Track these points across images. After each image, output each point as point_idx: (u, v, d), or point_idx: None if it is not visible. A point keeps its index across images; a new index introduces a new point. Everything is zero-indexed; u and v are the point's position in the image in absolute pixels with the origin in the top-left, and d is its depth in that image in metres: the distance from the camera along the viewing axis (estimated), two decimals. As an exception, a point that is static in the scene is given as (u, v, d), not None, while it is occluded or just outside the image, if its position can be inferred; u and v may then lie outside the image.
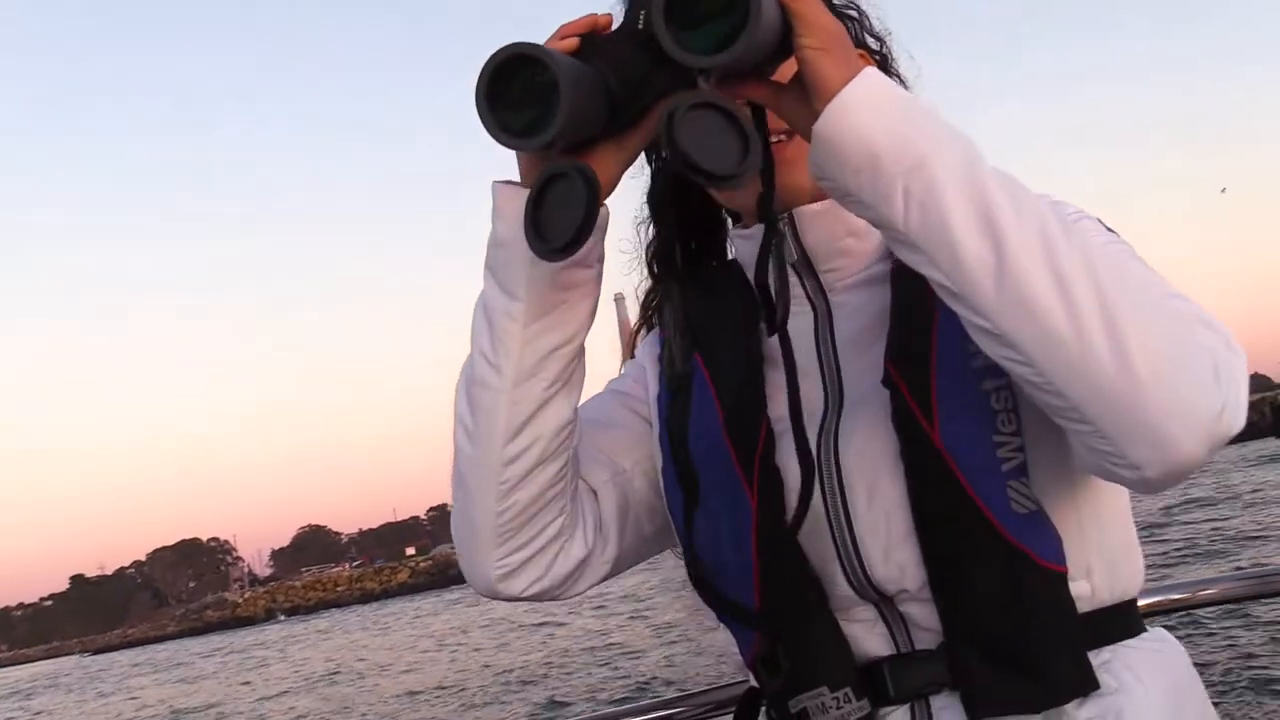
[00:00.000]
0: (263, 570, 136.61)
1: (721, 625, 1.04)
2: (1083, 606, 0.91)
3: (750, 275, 1.05)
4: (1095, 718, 0.89)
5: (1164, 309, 0.77)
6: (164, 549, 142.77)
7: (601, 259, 0.93)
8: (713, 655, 14.38)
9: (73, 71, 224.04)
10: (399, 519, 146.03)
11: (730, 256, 1.15)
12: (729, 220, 1.15)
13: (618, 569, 1.08)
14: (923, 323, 0.93)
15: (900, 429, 0.92)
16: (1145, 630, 0.97)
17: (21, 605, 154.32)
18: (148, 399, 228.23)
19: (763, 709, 1.06)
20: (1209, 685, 0.99)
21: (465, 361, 0.96)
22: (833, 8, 1.01)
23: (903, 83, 1.04)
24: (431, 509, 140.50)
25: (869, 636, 0.96)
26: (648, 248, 1.14)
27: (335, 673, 25.06)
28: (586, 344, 0.96)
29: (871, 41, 1.07)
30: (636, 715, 1.59)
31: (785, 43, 0.80)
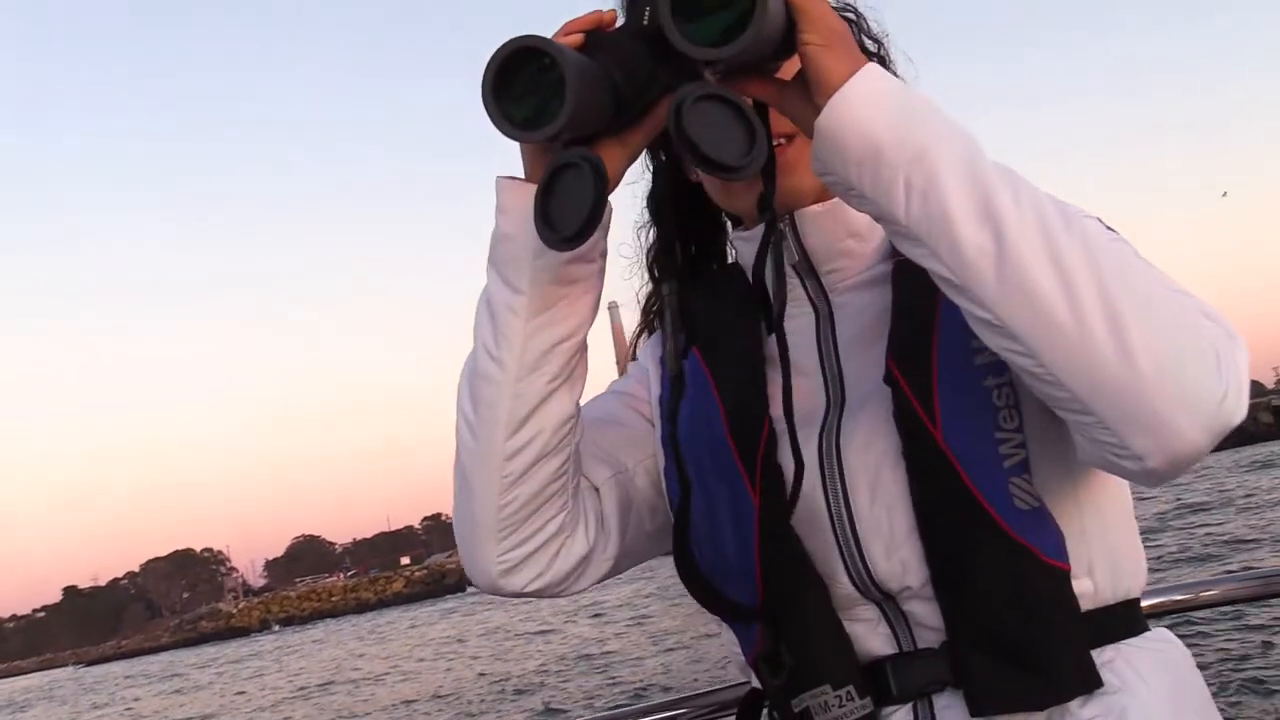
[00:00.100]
0: (257, 581, 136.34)
1: (723, 627, 1.05)
2: (1085, 604, 0.91)
3: (751, 276, 1.06)
4: (1098, 716, 0.89)
5: (1165, 299, 0.77)
6: (157, 560, 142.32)
7: (604, 255, 0.94)
8: (710, 662, 14.39)
9: (72, 72, 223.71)
10: (393, 529, 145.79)
11: (731, 260, 1.16)
12: (729, 224, 1.16)
13: (619, 567, 1.08)
14: (924, 321, 0.94)
15: (902, 427, 0.92)
16: (1148, 629, 0.97)
17: (14, 617, 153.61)
18: (141, 408, 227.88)
19: (764, 710, 1.06)
20: (1211, 686, 0.99)
21: (468, 356, 0.96)
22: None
23: None
24: (426, 518, 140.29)
25: (871, 636, 0.96)
26: (648, 251, 1.15)
27: (331, 682, 24.96)
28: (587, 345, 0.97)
29: (869, 44, 1.08)
30: (638, 717, 1.59)
31: (788, 40, 0.81)
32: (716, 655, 14.75)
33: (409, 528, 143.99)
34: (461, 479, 0.97)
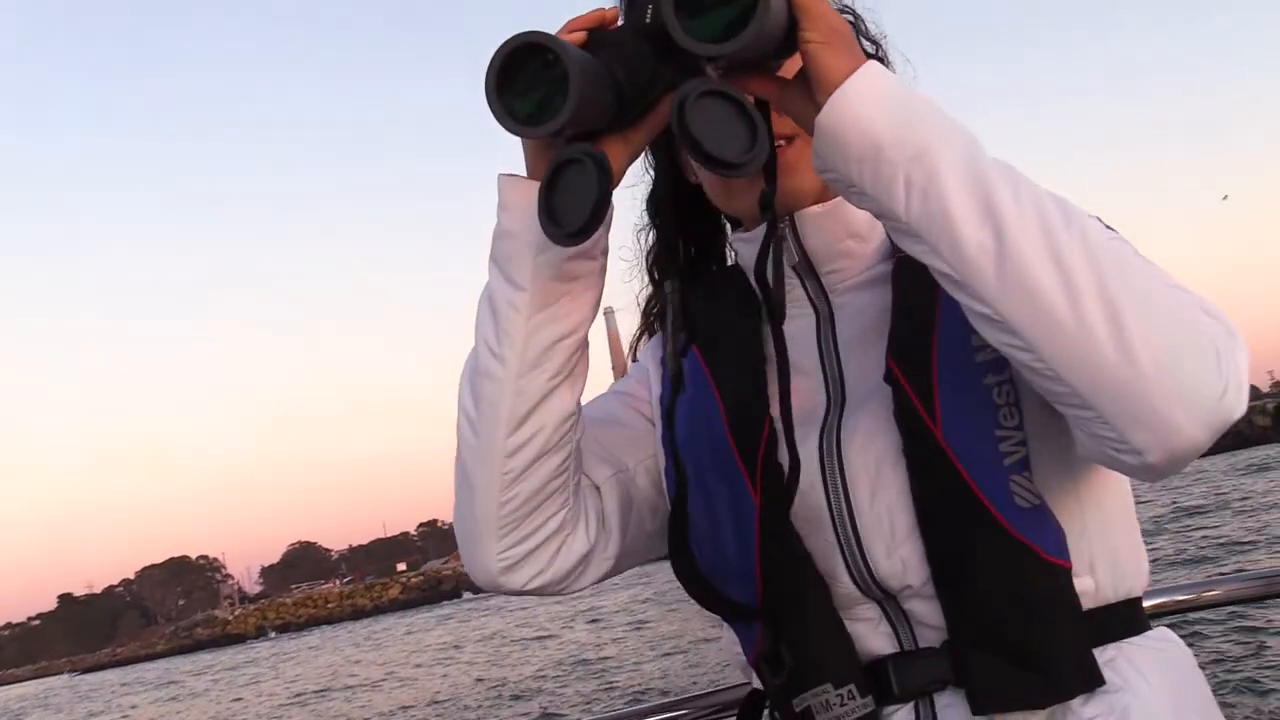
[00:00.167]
0: (252, 587, 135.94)
1: (724, 627, 1.05)
2: (1087, 603, 0.91)
3: (751, 277, 1.06)
4: (1100, 715, 0.89)
5: (1164, 295, 0.78)
6: (153, 567, 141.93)
7: (605, 252, 0.94)
8: (709, 666, 14.38)
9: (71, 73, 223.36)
10: (389, 535, 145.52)
11: (730, 263, 1.16)
12: (728, 227, 1.17)
13: (620, 566, 1.08)
14: (924, 320, 0.94)
15: (903, 425, 0.92)
16: (1150, 629, 0.97)
17: (9, 625, 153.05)
18: (136, 415, 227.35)
19: (765, 711, 1.06)
20: (1212, 686, 0.99)
21: (469, 354, 0.96)
22: None
23: None
24: (422, 524, 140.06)
25: (873, 635, 0.96)
26: (648, 254, 1.16)
27: (328, 689, 24.89)
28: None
29: (867, 45, 1.08)
30: (639, 719, 1.59)
31: (790, 38, 0.82)
32: (714, 660, 14.74)
33: (405, 534, 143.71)
34: (462, 476, 0.97)
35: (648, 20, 0.84)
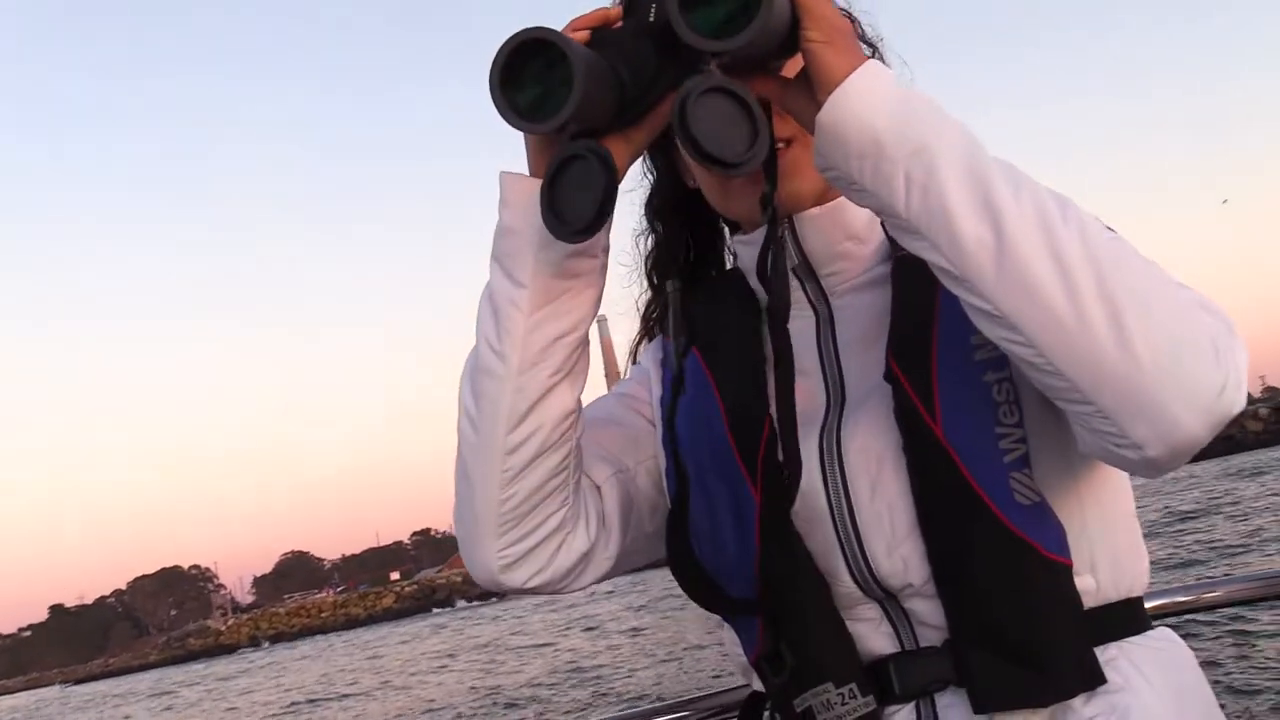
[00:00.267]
0: (245, 597, 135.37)
1: (724, 628, 1.05)
2: (1088, 602, 0.91)
3: (751, 280, 1.07)
4: (1101, 714, 0.89)
5: (1163, 290, 0.78)
6: (144, 577, 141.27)
7: (606, 250, 0.94)
8: (706, 673, 14.34)
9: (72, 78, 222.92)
10: (382, 544, 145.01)
11: (730, 266, 1.16)
12: (726, 231, 1.17)
13: (620, 566, 1.08)
14: (923, 319, 0.95)
15: (903, 424, 0.93)
16: (1151, 628, 0.97)
17: (0, 636, 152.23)
18: (126, 425, 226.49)
19: (766, 713, 1.06)
20: (1214, 687, 0.99)
21: (470, 352, 0.97)
22: None
23: None
24: (415, 534, 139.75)
25: (874, 635, 0.96)
26: (646, 258, 1.16)
27: (322, 698, 24.79)
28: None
29: (864, 48, 1.09)
30: (639, 721, 1.59)
31: (791, 37, 0.83)
32: (710, 666, 14.72)
33: (398, 543, 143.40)
34: (463, 474, 0.97)
35: (651, 19, 0.85)
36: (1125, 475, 0.97)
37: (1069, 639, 0.90)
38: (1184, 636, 0.99)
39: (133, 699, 44.19)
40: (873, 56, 1.08)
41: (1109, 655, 0.91)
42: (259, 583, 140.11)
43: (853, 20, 1.09)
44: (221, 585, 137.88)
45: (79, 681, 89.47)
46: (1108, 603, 0.93)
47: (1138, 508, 1.00)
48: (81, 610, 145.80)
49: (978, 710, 0.90)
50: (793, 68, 0.87)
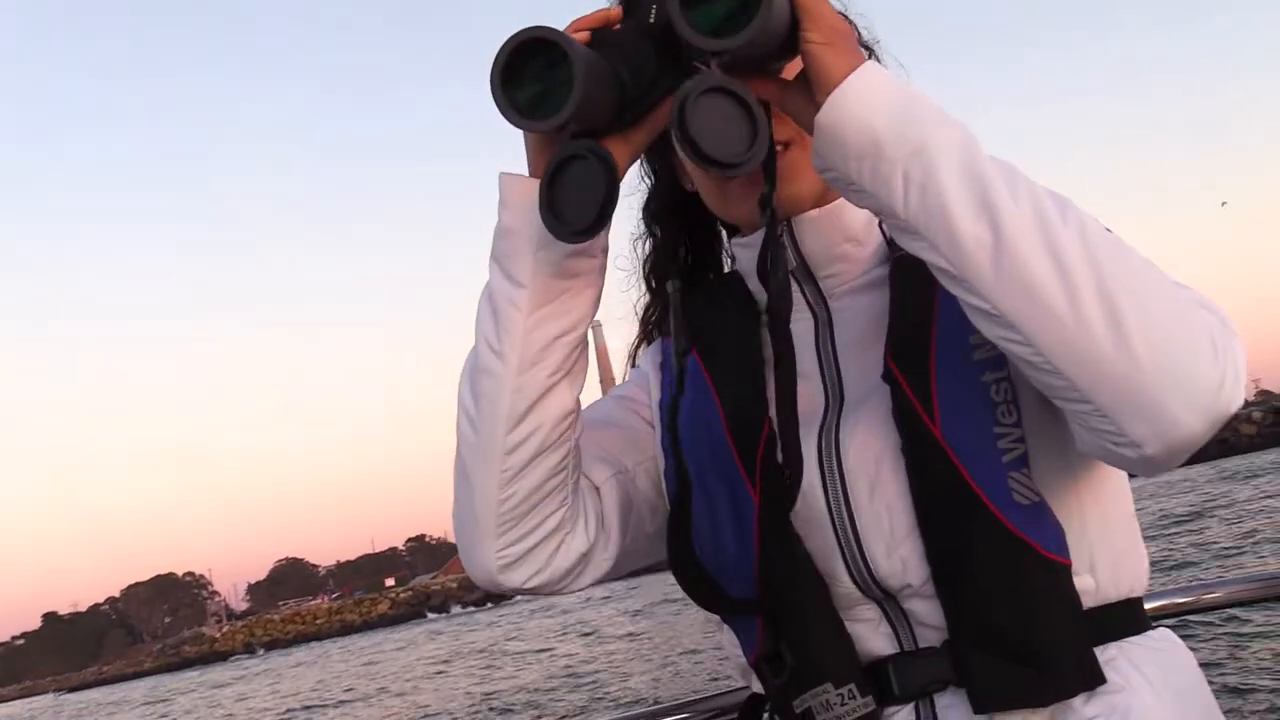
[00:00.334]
0: (239, 604, 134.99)
1: (723, 629, 1.05)
2: (1087, 602, 0.91)
3: (750, 283, 1.07)
4: (1101, 714, 0.89)
5: (1161, 289, 0.79)
6: (138, 585, 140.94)
7: (605, 251, 0.95)
8: (702, 677, 14.33)
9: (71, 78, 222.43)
10: (377, 550, 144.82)
11: (728, 270, 1.16)
12: (724, 234, 1.17)
13: (620, 567, 1.08)
14: (922, 319, 0.95)
15: (901, 424, 0.93)
16: (1151, 629, 0.97)
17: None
18: (119, 431, 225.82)
19: (765, 715, 1.06)
20: (1212, 688, 0.99)
21: (469, 353, 0.97)
22: None
23: None
24: (410, 540, 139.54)
25: (873, 636, 0.96)
26: (645, 261, 1.16)
27: (318, 704, 24.73)
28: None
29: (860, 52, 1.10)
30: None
31: (791, 40, 0.83)
32: (707, 670, 14.71)
33: (393, 549, 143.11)
34: (462, 474, 0.97)
35: (651, 20, 0.85)
36: (1124, 476, 0.98)
37: (1068, 639, 0.90)
38: (1183, 638, 0.99)
39: (127, 707, 44.04)
40: (869, 59, 1.09)
41: (1109, 655, 0.91)
42: (254, 590, 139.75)
43: (849, 23, 1.10)
44: (216, 592, 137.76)
45: (73, 689, 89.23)
46: (1107, 603, 0.93)
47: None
48: (75, 618, 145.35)
49: (977, 710, 0.90)
50: (791, 71, 0.87)
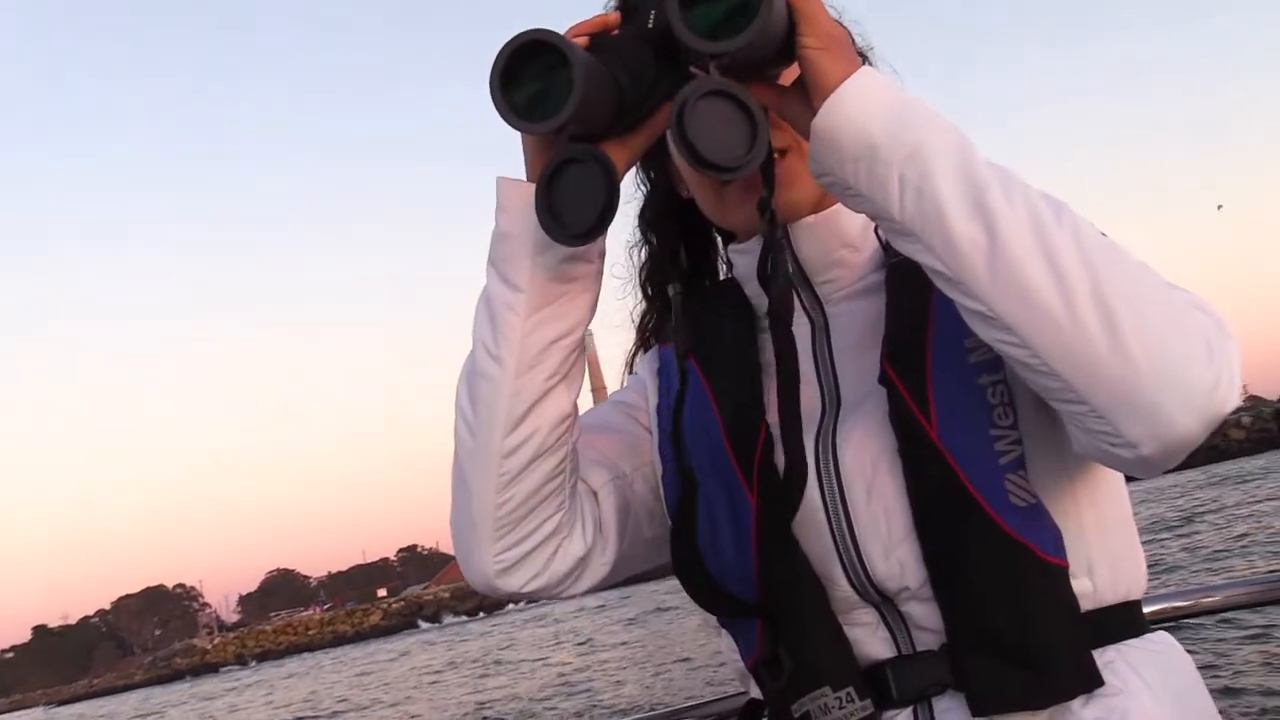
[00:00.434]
0: (230, 616, 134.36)
1: (722, 634, 1.05)
2: (1085, 604, 0.91)
3: (747, 289, 1.07)
4: (1100, 717, 0.89)
5: (1156, 290, 0.79)
6: (128, 597, 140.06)
7: (602, 255, 0.95)
8: (699, 682, 14.31)
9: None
10: (369, 561, 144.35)
11: (724, 277, 1.17)
12: (720, 241, 1.17)
13: (617, 572, 1.08)
14: (918, 322, 0.95)
15: (898, 427, 0.93)
16: (1150, 631, 0.97)
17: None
18: (109, 444, 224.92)
19: (764, 719, 1.06)
20: (1210, 691, 0.99)
21: (467, 357, 0.97)
22: None
23: None
24: (401, 550, 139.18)
25: (871, 640, 0.96)
26: (641, 269, 1.16)
27: (310, 716, 24.63)
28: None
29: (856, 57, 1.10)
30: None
31: (788, 45, 0.83)
32: (702, 677, 14.69)
33: (385, 560, 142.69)
34: (459, 478, 0.97)
35: (650, 25, 0.85)
36: (1121, 478, 0.98)
37: (1066, 641, 0.90)
38: (1181, 641, 0.99)
39: (118, 720, 43.77)
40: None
41: (1107, 658, 0.91)
42: (244, 601, 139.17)
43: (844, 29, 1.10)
44: (206, 604, 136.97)
45: (63, 703, 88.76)
46: (1105, 605, 0.94)
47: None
48: (65, 630, 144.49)
49: (976, 713, 0.90)
50: (788, 78, 0.88)
